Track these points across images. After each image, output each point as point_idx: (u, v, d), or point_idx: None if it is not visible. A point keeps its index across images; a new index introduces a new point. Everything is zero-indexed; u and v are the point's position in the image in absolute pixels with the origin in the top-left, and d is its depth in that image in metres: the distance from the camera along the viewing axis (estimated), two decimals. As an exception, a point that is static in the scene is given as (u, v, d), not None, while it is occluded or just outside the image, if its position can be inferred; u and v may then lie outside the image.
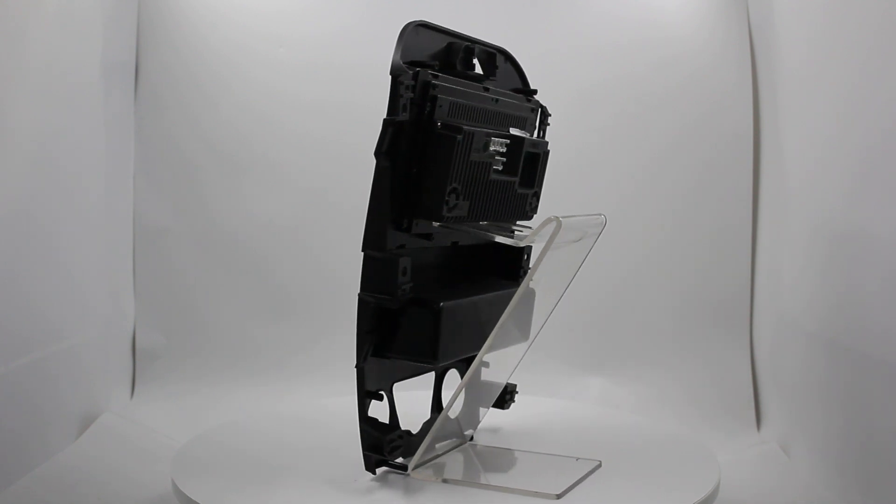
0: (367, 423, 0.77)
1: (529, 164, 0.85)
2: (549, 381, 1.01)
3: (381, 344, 0.77)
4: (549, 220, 0.73)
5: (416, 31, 0.77)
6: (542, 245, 0.75)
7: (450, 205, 0.75)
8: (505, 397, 0.94)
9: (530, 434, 0.95)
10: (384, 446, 0.77)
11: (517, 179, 0.83)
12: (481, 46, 0.85)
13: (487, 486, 0.78)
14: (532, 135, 0.90)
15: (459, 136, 0.74)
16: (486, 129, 0.78)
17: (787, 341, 1.24)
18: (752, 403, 1.35)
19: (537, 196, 0.88)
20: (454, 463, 0.85)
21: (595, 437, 0.95)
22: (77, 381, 1.17)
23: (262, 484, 0.80)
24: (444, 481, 0.79)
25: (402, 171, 0.74)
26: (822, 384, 1.10)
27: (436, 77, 0.75)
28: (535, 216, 0.87)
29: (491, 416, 0.95)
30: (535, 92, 0.91)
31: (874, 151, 1.00)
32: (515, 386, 0.95)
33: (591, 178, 1.42)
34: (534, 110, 0.90)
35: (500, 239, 0.78)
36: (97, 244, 1.26)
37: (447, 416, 0.82)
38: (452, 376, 0.90)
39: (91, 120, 1.24)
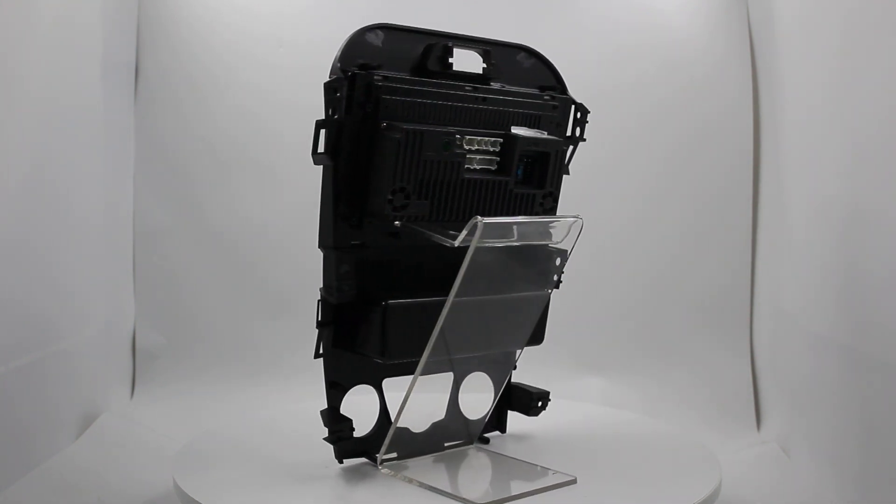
0: (323, 412, 0.81)
1: (540, 163, 0.83)
2: (549, 380, 1.01)
3: (347, 338, 0.79)
4: (473, 221, 0.72)
5: (377, 35, 0.78)
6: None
7: (395, 204, 0.75)
8: (532, 404, 0.92)
9: (532, 434, 0.94)
10: (329, 435, 0.80)
11: (510, 179, 0.81)
12: (480, 46, 0.84)
13: (425, 486, 0.78)
14: (561, 133, 0.87)
15: (398, 136, 0.74)
16: (445, 129, 0.77)
17: (787, 341, 1.24)
18: (752, 403, 1.35)
19: (552, 196, 0.85)
20: (424, 461, 0.85)
21: (596, 437, 0.95)
22: (77, 381, 1.17)
23: (264, 482, 0.80)
24: (389, 473, 0.81)
25: (350, 171, 0.76)
26: (822, 384, 1.10)
27: (385, 78, 0.76)
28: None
29: (526, 421, 0.95)
30: (555, 88, 0.88)
31: (874, 152, 1.00)
32: (548, 394, 0.93)
33: (590, 180, 1.41)
34: (555, 107, 0.87)
35: (436, 239, 0.77)
36: (97, 244, 1.25)
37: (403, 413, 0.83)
38: (478, 378, 0.89)
39: (91, 120, 1.24)
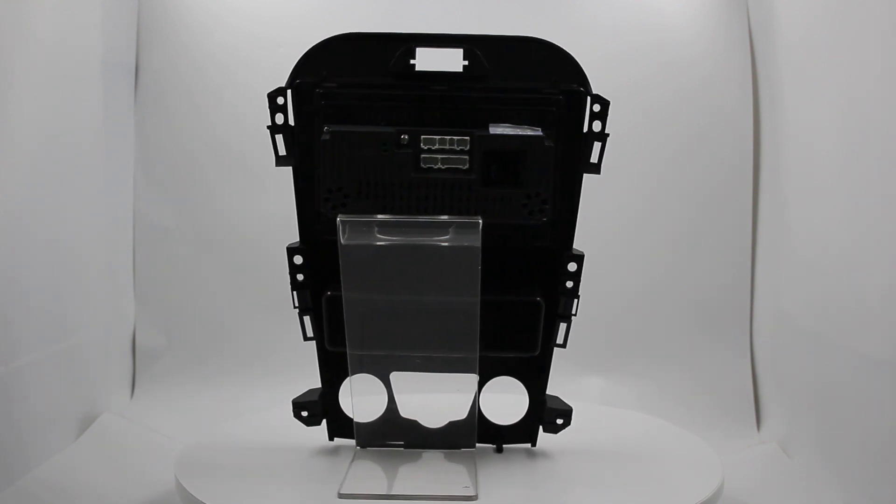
0: (310, 391, 0.91)
1: (521, 163, 0.81)
2: (550, 380, 1.01)
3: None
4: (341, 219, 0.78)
5: (341, 44, 0.84)
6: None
7: (333, 203, 0.81)
8: (548, 420, 0.90)
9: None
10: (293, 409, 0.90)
11: (472, 178, 0.80)
12: (462, 45, 0.83)
13: (346, 472, 0.82)
14: (574, 129, 0.84)
15: (325, 137, 0.80)
16: (385, 129, 0.80)
17: (787, 341, 1.24)
18: (752, 403, 1.35)
19: (540, 197, 0.81)
20: (408, 455, 0.87)
21: (596, 437, 0.95)
22: (77, 381, 1.17)
23: (266, 481, 0.80)
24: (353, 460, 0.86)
25: (308, 173, 0.83)
26: (822, 384, 1.10)
27: (332, 86, 0.82)
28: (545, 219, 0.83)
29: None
30: (572, 82, 0.84)
31: (873, 152, 1.00)
32: (570, 412, 0.90)
33: (589, 181, 1.41)
34: (557, 101, 0.83)
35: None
36: (97, 244, 1.25)
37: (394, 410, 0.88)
38: (506, 382, 0.90)
39: (91, 120, 1.24)
